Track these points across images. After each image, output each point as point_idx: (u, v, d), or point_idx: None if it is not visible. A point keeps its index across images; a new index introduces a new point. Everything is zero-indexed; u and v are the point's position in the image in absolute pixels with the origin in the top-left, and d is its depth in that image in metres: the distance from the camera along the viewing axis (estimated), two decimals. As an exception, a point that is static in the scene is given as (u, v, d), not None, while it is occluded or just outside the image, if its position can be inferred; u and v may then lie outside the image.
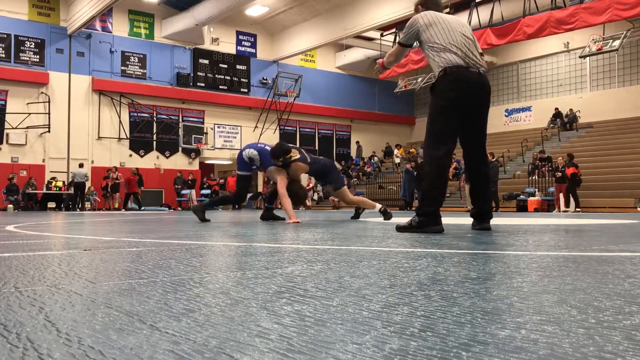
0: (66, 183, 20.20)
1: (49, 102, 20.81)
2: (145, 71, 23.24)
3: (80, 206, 19.56)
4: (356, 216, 7.11)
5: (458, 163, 18.78)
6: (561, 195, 16.06)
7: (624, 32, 18.30)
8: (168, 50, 23.78)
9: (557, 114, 24.36)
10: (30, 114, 20.54)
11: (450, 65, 3.80)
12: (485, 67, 3.95)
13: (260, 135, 25.90)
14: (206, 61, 24.66)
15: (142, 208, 20.50)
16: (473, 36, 4.00)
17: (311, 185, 23.93)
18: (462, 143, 4.03)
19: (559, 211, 15.52)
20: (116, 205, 21.01)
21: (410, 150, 26.01)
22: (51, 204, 20.15)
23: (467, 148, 4.03)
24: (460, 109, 3.81)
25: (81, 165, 19.83)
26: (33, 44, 20.99)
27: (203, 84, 24.45)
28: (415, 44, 4.15)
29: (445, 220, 4.52)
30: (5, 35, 20.50)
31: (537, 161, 18.72)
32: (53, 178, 20.34)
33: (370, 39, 25.49)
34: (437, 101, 3.85)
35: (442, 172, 3.82)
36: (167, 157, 23.67)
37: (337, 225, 5.05)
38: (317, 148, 28.12)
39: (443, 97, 3.81)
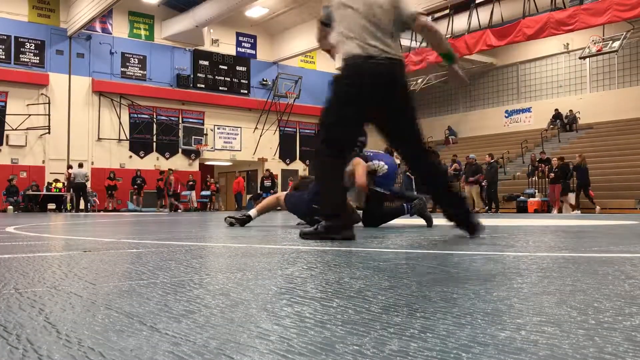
0: (66, 184, 20.20)
1: (49, 103, 20.82)
2: (145, 72, 23.26)
3: (83, 207, 19.46)
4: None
5: (459, 164, 18.77)
6: (571, 196, 16.00)
7: (624, 33, 18.31)
8: (168, 51, 23.79)
9: (557, 115, 24.37)
10: (30, 115, 20.55)
11: (347, 56, 3.24)
12: (394, 53, 3.28)
13: (260, 136, 25.91)
14: (206, 62, 24.68)
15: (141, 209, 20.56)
16: (393, 13, 3.28)
17: None
18: (390, 146, 3.59)
19: (557, 212, 15.52)
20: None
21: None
22: (51, 206, 20.15)
23: (399, 151, 3.53)
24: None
25: (81, 166, 19.82)
26: (33, 45, 21.00)
27: (203, 85, 24.46)
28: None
29: (447, 220, 4.50)
30: (5, 37, 20.51)
31: (537, 162, 18.73)
32: (55, 180, 20.35)
33: (370, 40, 25.48)
34: (332, 98, 3.30)
35: (335, 172, 3.37)
36: (167, 159, 23.67)
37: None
38: (317, 149, 28.09)
39: (339, 94, 3.28)
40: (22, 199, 19.45)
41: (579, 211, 15.47)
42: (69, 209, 19.98)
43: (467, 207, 3.45)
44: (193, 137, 23.72)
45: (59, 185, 20.25)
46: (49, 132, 20.77)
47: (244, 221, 5.19)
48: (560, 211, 15.80)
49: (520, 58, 26.53)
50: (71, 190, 19.79)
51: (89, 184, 20.30)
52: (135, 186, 21.13)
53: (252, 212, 5.42)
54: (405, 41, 21.94)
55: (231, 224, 5.17)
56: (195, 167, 24.69)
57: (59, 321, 0.98)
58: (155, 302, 1.16)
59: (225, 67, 25.19)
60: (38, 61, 21.04)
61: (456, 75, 3.48)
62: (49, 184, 20.39)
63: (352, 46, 3.21)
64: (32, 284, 1.45)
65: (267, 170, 23.51)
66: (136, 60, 23.10)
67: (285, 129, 26.87)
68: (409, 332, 0.88)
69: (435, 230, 4.26)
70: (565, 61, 25.10)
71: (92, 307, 1.11)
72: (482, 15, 18.95)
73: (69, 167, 20.09)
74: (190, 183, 22.61)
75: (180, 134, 23.50)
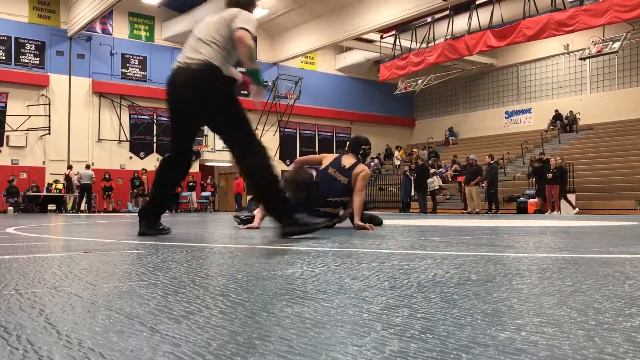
0: (66, 185, 20.19)
1: (49, 104, 20.82)
2: (145, 73, 23.26)
3: (86, 207, 19.42)
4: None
5: (459, 165, 18.77)
6: (567, 197, 16.02)
7: (624, 34, 18.31)
8: (168, 52, 23.79)
9: (557, 116, 24.38)
10: (30, 116, 20.55)
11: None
12: (194, 59, 3.47)
13: (260, 137, 25.78)
14: (206, 64, 24.68)
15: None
16: (213, 25, 3.54)
17: None
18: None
19: (552, 212, 15.51)
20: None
21: (413, 151, 26.04)
22: (51, 206, 20.15)
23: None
24: (179, 113, 3.60)
25: (87, 167, 19.82)
26: (33, 46, 21.01)
27: (203, 87, 24.44)
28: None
29: (447, 221, 4.51)
30: (5, 38, 20.52)
31: (536, 163, 18.72)
32: (56, 180, 20.35)
33: (370, 41, 25.50)
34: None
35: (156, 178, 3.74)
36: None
37: (336, 227, 5.05)
38: (317, 150, 28.12)
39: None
40: (23, 199, 19.45)
41: (574, 210, 15.46)
42: (69, 209, 19.98)
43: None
44: (193, 138, 23.69)
45: (59, 186, 20.25)
46: (49, 133, 20.77)
47: (247, 221, 5.18)
48: (553, 211, 15.80)
49: (520, 59, 26.54)
50: (72, 191, 19.80)
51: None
52: (135, 188, 21.09)
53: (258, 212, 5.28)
54: (405, 42, 22.01)
55: (238, 223, 5.24)
56: (196, 168, 24.68)
57: (59, 322, 0.98)
58: (156, 303, 1.16)
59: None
60: (38, 62, 21.04)
61: (255, 94, 3.59)
62: (49, 184, 20.39)
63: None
64: (32, 284, 1.45)
65: None
66: (136, 61, 23.10)
67: (286, 129, 26.87)
68: (409, 332, 0.88)
69: (436, 231, 4.25)
70: (566, 62, 25.11)
71: (92, 308, 1.11)
72: (482, 16, 18.96)
73: (69, 167, 20.09)
74: (191, 184, 22.61)
75: (181, 135, 23.46)
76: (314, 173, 5.02)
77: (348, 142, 5.28)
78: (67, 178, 19.96)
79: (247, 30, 3.44)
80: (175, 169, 3.77)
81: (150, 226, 3.72)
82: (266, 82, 26.23)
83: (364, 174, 4.87)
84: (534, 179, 16.99)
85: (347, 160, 4.94)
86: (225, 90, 3.54)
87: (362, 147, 5.07)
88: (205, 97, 3.47)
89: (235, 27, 3.44)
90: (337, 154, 5.22)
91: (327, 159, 5.12)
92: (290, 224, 3.38)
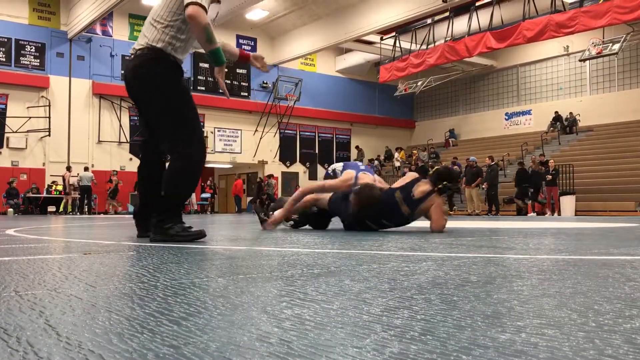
0: (64, 186, 20.18)
1: (49, 105, 20.84)
2: (145, 75, 23.27)
3: (86, 209, 19.41)
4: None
5: (459, 166, 18.77)
6: (561, 199, 16.08)
7: (624, 35, 18.33)
8: (168, 54, 23.81)
9: (557, 118, 24.39)
10: (30, 117, 20.56)
11: None
12: (139, 45, 3.32)
13: (261, 139, 25.91)
14: (206, 65, 24.69)
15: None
16: (164, 2, 3.30)
17: None
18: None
19: (552, 214, 15.53)
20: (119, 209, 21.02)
21: (413, 152, 26.04)
22: (51, 208, 20.15)
23: None
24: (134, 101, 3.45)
25: (87, 169, 19.83)
26: (33, 48, 21.02)
27: (203, 88, 24.47)
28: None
29: (447, 223, 4.50)
30: (5, 39, 20.53)
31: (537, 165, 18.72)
32: (55, 182, 20.35)
33: (370, 43, 25.53)
34: None
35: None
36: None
37: (336, 229, 5.05)
38: (317, 152, 28.13)
39: None
40: (22, 201, 19.45)
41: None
42: (68, 211, 19.96)
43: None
44: (193, 139, 23.70)
45: (60, 187, 20.25)
46: (49, 135, 20.78)
47: (263, 221, 5.01)
48: (553, 213, 15.81)
49: (520, 60, 26.56)
50: (72, 192, 19.80)
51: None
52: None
53: (279, 213, 5.00)
54: (405, 44, 22.03)
55: (262, 221, 5.01)
56: (196, 169, 24.68)
57: (59, 324, 0.98)
58: (156, 305, 1.16)
59: (226, 70, 25.13)
60: (38, 64, 21.06)
61: (218, 73, 3.42)
62: (49, 186, 20.39)
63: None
64: (32, 286, 1.45)
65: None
66: (137, 62, 23.11)
67: (286, 131, 26.88)
68: (409, 334, 0.88)
69: (436, 233, 4.25)
70: (565, 63, 25.13)
71: (92, 310, 1.11)
72: (482, 18, 18.98)
73: (68, 168, 20.08)
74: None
75: (181, 136, 23.48)
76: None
77: (434, 168, 4.75)
78: (64, 180, 19.93)
79: (199, 4, 3.07)
80: (147, 165, 3.61)
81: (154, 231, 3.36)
82: (265, 83, 26.22)
83: (435, 206, 4.33)
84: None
85: (420, 189, 4.35)
86: (155, 72, 3.26)
87: (444, 182, 4.31)
88: (139, 79, 3.30)
89: (186, 2, 3.09)
90: (415, 177, 4.53)
91: (401, 180, 4.59)
92: (166, 230, 3.19)
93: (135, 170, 3.75)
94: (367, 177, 4.64)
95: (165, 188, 3.28)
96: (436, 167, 4.89)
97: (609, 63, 23.45)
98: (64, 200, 20.20)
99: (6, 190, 19.19)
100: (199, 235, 3.25)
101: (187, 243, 3.06)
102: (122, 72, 3.22)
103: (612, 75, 23.76)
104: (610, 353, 0.76)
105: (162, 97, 3.26)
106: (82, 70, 21.90)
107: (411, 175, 4.61)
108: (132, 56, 3.33)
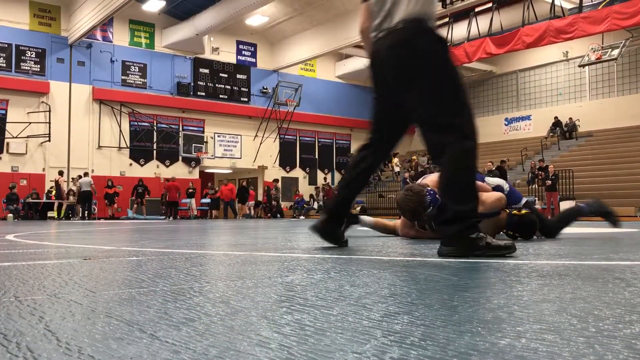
0: (65, 192, 20.17)
1: (49, 111, 20.86)
2: (145, 80, 23.31)
3: (86, 214, 19.39)
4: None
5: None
6: (561, 204, 16.08)
7: (623, 41, 18.39)
8: (168, 59, 23.86)
9: (557, 123, 24.42)
10: (30, 123, 20.57)
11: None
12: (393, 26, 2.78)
13: (260, 144, 25.93)
14: (206, 70, 24.75)
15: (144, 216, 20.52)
16: None
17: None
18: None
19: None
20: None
21: (412, 158, 26.03)
22: (51, 213, 20.13)
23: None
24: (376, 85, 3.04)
25: (86, 174, 19.83)
26: (34, 53, 21.06)
27: (203, 93, 24.51)
28: None
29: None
30: (6, 45, 20.57)
31: (537, 170, 18.74)
32: (52, 187, 20.33)
33: (370, 48, 25.56)
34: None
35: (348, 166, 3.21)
36: (167, 166, 23.67)
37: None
38: (317, 157, 28.14)
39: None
40: (22, 206, 19.44)
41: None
42: (61, 216, 19.90)
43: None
44: (193, 144, 23.73)
45: (53, 192, 20.22)
46: (49, 140, 20.79)
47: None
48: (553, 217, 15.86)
49: (519, 66, 26.61)
50: (61, 197, 19.77)
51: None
52: (137, 195, 21.07)
53: (368, 219, 4.79)
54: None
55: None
56: (196, 174, 24.68)
57: (59, 329, 0.98)
58: (155, 310, 1.16)
59: (226, 75, 25.25)
60: (39, 69, 21.09)
61: None
62: (49, 191, 20.38)
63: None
64: (32, 291, 1.45)
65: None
66: (137, 68, 23.15)
67: (285, 136, 26.90)
68: (409, 339, 0.88)
69: (436, 238, 4.24)
70: (565, 69, 25.18)
71: (92, 315, 1.11)
72: (482, 24, 19.03)
73: (60, 173, 20.03)
74: (190, 191, 22.60)
75: (181, 141, 23.51)
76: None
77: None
78: (57, 185, 19.84)
79: None
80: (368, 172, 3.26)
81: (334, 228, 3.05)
82: (265, 88, 26.29)
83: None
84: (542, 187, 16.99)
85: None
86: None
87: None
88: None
89: None
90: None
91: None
92: (474, 241, 2.47)
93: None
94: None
95: (454, 178, 2.54)
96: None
97: (609, 68, 23.50)
98: (55, 204, 20.11)
99: (6, 196, 19.18)
100: (511, 249, 2.51)
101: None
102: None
103: (611, 80, 23.80)
104: (610, 358, 0.76)
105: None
106: (83, 76, 21.94)
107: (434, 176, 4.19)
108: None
